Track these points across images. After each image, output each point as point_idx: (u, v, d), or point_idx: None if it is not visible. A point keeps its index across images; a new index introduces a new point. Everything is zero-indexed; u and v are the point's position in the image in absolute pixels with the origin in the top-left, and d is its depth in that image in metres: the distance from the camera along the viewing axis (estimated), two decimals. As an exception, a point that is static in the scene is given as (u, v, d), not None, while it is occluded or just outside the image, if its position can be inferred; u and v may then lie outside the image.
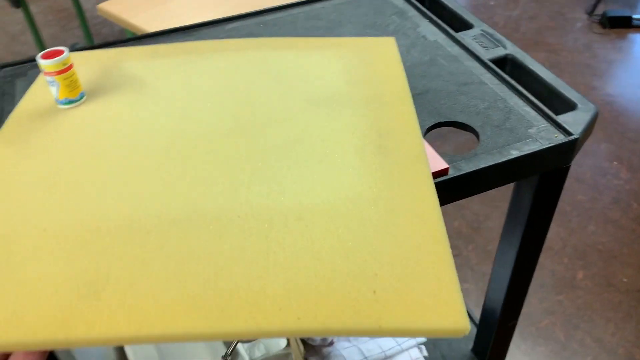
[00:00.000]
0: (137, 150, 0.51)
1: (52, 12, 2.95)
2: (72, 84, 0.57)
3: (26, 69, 0.72)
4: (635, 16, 2.64)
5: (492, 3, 2.89)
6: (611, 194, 1.89)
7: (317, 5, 0.84)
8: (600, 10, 2.74)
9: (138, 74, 0.63)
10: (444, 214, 1.86)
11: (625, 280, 1.65)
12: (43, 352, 0.36)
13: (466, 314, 0.38)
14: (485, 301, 0.82)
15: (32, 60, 0.74)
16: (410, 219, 0.44)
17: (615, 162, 2.00)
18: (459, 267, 1.71)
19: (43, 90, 0.62)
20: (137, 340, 0.36)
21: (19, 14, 2.90)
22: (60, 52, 0.56)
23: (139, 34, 1.42)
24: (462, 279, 1.67)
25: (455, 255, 1.74)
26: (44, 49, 2.20)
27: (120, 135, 0.53)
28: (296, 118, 0.56)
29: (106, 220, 0.44)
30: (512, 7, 2.86)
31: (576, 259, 1.71)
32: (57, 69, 0.56)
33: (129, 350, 0.79)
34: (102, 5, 1.47)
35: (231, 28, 0.79)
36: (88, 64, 0.65)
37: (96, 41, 2.68)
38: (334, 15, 0.81)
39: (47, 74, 0.56)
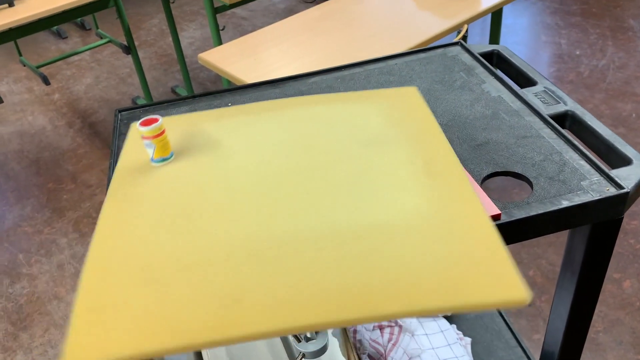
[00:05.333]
0: (230, 193, 0.62)
1: (156, 57, 3.25)
2: (165, 145, 0.66)
3: (139, 113, 0.86)
4: None
5: (577, 52, 2.87)
6: (701, 252, 1.80)
7: (391, 62, 0.92)
8: (694, 61, 2.64)
9: (215, 133, 0.73)
10: (518, 263, 1.85)
11: None
12: None
13: (525, 290, 0.48)
14: (543, 347, 0.84)
15: (144, 105, 0.87)
16: (465, 223, 0.56)
17: None
18: (532, 317, 1.68)
19: (137, 150, 0.71)
20: (278, 333, 0.46)
21: (127, 58, 3.22)
22: (155, 120, 0.65)
23: (233, 80, 1.57)
24: (534, 330, 1.64)
25: (527, 306, 1.72)
26: (149, 91, 2.43)
27: (213, 183, 0.64)
28: (353, 158, 0.66)
29: (223, 247, 0.54)
30: (599, 56, 2.82)
31: (659, 317, 1.64)
32: (153, 134, 0.65)
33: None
34: (203, 55, 1.64)
35: (312, 82, 0.89)
36: (175, 127, 0.76)
37: (194, 85, 2.92)
38: (405, 72, 0.89)
39: (145, 138, 0.65)
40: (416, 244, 0.53)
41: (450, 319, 1.06)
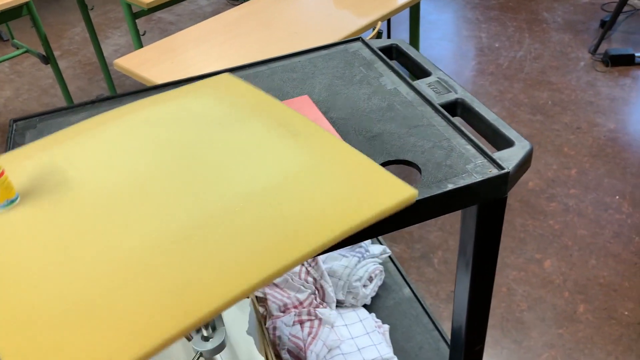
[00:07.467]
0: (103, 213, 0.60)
1: (80, 66, 3.16)
2: (8, 187, 0.61)
3: (35, 122, 0.83)
4: (638, 54, 2.69)
5: (496, 45, 2.98)
6: (613, 228, 1.91)
7: (295, 59, 0.94)
8: (602, 49, 2.81)
9: (64, 158, 0.69)
10: (446, 250, 1.91)
11: (626, 313, 1.66)
12: None
13: (410, 187, 0.60)
14: (452, 325, 0.87)
15: (40, 114, 0.85)
16: (339, 161, 0.64)
17: (618, 197, 2.03)
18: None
19: None
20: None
21: (50, 69, 3.11)
22: None
23: (149, 85, 1.54)
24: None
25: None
26: (72, 101, 2.38)
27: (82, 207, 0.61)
28: (214, 143, 0.69)
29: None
30: (516, 48, 2.95)
31: (577, 293, 1.73)
32: None
33: None
34: (118, 61, 1.61)
35: (216, 81, 0.89)
36: (17, 164, 0.70)
37: (119, 92, 2.86)
38: (308, 68, 0.90)
39: None
40: (306, 191, 0.59)
41: (369, 308, 1.08)
